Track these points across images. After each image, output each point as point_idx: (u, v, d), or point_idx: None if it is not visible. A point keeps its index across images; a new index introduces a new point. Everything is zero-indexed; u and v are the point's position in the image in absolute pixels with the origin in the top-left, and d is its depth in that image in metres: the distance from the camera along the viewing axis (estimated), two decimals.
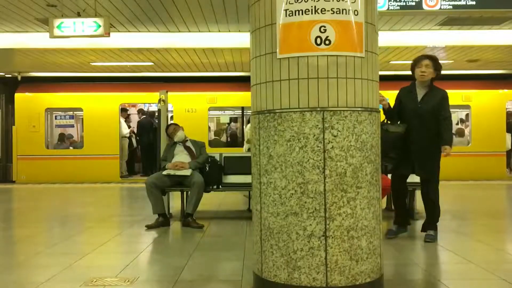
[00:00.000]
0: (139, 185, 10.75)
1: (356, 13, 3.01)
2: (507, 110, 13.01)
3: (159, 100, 6.93)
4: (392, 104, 5.07)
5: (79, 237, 5.60)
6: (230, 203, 7.91)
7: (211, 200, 7.82)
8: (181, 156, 6.26)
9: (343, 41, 2.98)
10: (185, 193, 6.24)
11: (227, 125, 14.92)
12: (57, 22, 7.10)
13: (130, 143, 13.19)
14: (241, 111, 13.38)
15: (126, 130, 12.93)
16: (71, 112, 14.16)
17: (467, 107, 12.87)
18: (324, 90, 2.98)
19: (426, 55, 5.01)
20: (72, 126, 14.45)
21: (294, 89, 3.01)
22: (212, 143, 12.73)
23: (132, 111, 14.31)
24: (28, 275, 3.93)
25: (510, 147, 12.88)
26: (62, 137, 13.59)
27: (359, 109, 3.03)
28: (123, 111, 13.19)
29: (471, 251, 4.59)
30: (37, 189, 11.04)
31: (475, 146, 12.48)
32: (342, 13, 2.97)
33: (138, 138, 13.37)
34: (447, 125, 4.76)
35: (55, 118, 14.06)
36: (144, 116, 13.48)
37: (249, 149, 8.78)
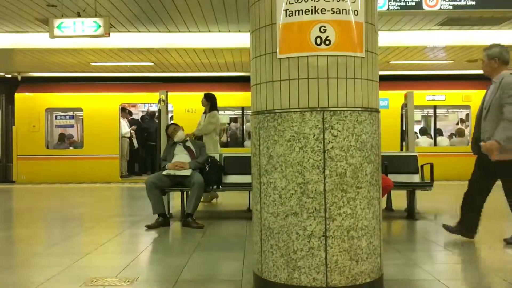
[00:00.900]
0: (139, 185, 10.76)
1: (356, 13, 3.01)
2: None
3: (159, 100, 6.93)
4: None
5: (79, 237, 5.60)
6: (230, 203, 7.91)
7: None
8: (181, 156, 6.25)
9: (343, 41, 2.98)
10: (185, 193, 6.23)
11: (227, 125, 14.93)
12: (57, 22, 7.10)
13: (131, 143, 13.21)
14: (241, 111, 13.38)
15: (125, 130, 12.94)
16: (71, 112, 14.17)
17: (467, 107, 12.86)
18: (324, 90, 2.98)
19: None
20: (72, 126, 14.46)
21: (294, 89, 3.01)
22: None
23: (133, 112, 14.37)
24: (28, 275, 3.92)
25: None
26: (62, 137, 13.59)
27: (359, 109, 3.02)
28: (123, 111, 13.20)
29: (472, 251, 4.59)
30: (37, 189, 11.04)
31: None
32: (342, 13, 2.97)
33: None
34: None
35: (55, 118, 14.07)
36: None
37: None
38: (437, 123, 13.45)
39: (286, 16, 3.01)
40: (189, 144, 6.43)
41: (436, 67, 12.44)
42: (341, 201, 2.96)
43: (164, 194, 6.06)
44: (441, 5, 6.31)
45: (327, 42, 2.96)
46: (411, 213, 6.25)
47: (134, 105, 14.56)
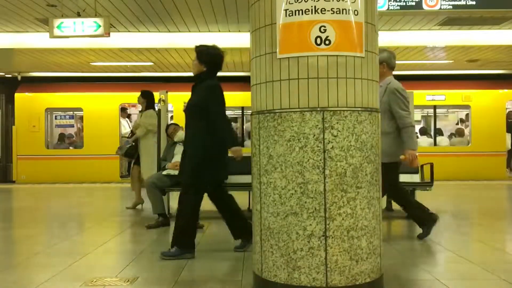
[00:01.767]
0: None
1: (356, 13, 3.01)
2: (507, 110, 13.02)
3: (159, 100, 6.93)
4: None
5: (79, 237, 5.60)
6: None
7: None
8: (181, 156, 6.24)
9: (343, 41, 2.98)
10: None
11: None
12: (57, 22, 7.10)
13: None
14: (241, 111, 13.38)
15: (125, 130, 12.93)
16: (71, 112, 14.16)
17: (467, 107, 12.87)
18: (324, 90, 2.98)
19: None
20: (72, 126, 14.45)
21: (294, 89, 3.01)
22: None
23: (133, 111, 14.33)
24: (28, 275, 3.92)
25: (510, 147, 12.89)
26: (62, 137, 13.59)
27: (359, 109, 3.02)
28: (123, 110, 13.20)
29: (471, 251, 4.59)
30: (37, 189, 11.04)
31: (475, 146, 12.49)
32: (342, 13, 2.97)
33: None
34: None
35: (55, 118, 14.06)
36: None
37: None
38: (437, 123, 13.46)
39: (286, 16, 3.01)
40: None
41: (436, 67, 12.44)
42: (341, 201, 2.96)
43: (164, 194, 6.06)
44: (441, 5, 6.31)
45: (327, 42, 2.96)
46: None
47: (134, 105, 14.53)
